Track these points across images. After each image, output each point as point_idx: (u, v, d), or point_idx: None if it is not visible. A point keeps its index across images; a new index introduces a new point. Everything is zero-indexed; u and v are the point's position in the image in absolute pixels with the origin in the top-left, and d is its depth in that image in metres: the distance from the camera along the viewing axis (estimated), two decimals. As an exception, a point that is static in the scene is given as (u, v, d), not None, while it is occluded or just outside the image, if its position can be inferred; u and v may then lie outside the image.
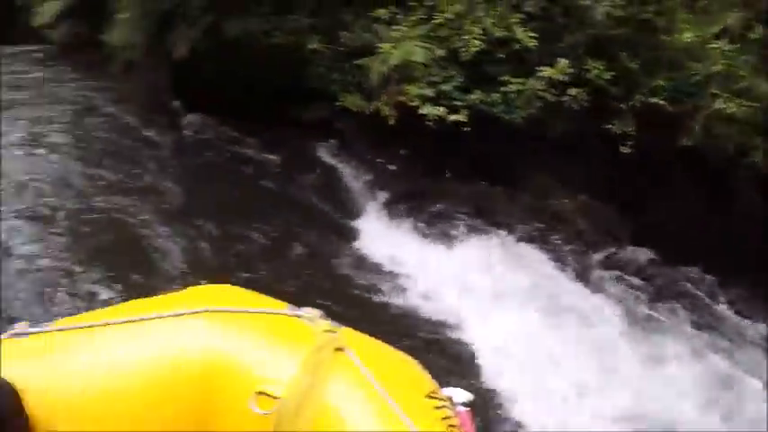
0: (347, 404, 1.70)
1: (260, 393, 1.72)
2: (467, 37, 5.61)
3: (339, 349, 1.80)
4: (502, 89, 5.64)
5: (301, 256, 5.62)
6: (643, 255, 5.89)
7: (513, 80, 5.60)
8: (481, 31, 5.59)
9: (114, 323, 1.94)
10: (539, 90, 5.54)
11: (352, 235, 6.12)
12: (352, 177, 6.90)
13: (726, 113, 5.30)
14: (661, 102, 5.39)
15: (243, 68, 7.31)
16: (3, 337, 1.96)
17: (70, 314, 3.92)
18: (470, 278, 5.48)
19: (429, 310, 5.14)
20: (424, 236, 6.06)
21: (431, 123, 5.62)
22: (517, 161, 6.14)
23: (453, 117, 5.50)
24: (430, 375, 1.87)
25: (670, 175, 5.87)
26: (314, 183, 6.87)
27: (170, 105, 8.60)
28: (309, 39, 6.82)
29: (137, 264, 5.10)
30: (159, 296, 2.12)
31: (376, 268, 5.64)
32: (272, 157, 7.35)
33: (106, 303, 4.35)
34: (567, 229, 6.00)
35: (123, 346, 1.90)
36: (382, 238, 6.02)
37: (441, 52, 5.78)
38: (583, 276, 5.71)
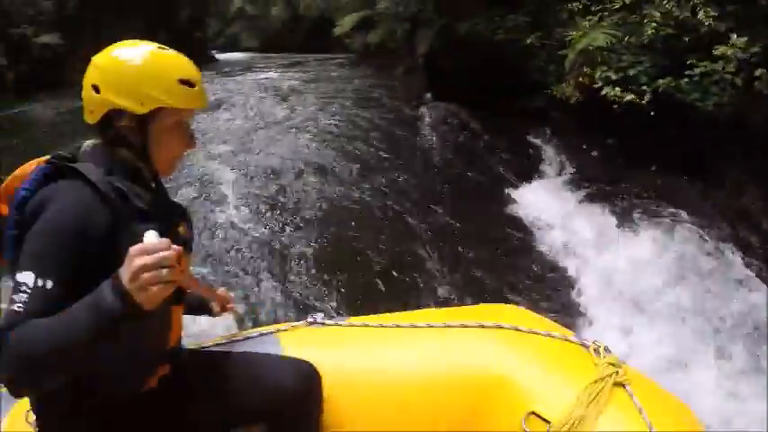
0: None
1: (532, 413, 1.81)
2: (646, 21, 5.96)
3: (619, 384, 1.85)
4: (687, 73, 5.80)
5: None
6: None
7: (699, 63, 5.72)
8: (658, 15, 5.88)
9: (404, 326, 2.19)
10: (725, 73, 5.56)
11: (544, 221, 6.53)
12: (558, 162, 7.59)
13: None
14: None
15: (471, 63, 8.38)
16: (300, 324, 2.29)
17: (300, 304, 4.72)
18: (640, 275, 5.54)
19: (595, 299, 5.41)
20: (615, 221, 6.24)
21: (616, 107, 6.02)
22: (713, 153, 6.14)
23: (629, 97, 5.86)
24: (703, 427, 1.93)
25: None
26: (525, 169, 7.62)
27: (423, 97, 9.96)
28: (527, 35, 7.64)
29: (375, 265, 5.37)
30: (447, 308, 2.43)
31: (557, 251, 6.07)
32: (497, 148, 8.21)
33: (340, 301, 4.78)
34: (752, 232, 5.80)
35: (411, 348, 2.13)
36: (570, 217, 6.45)
37: (628, 38, 6.19)
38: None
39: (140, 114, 1.66)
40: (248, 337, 2.20)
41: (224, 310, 2.18)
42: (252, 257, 5.21)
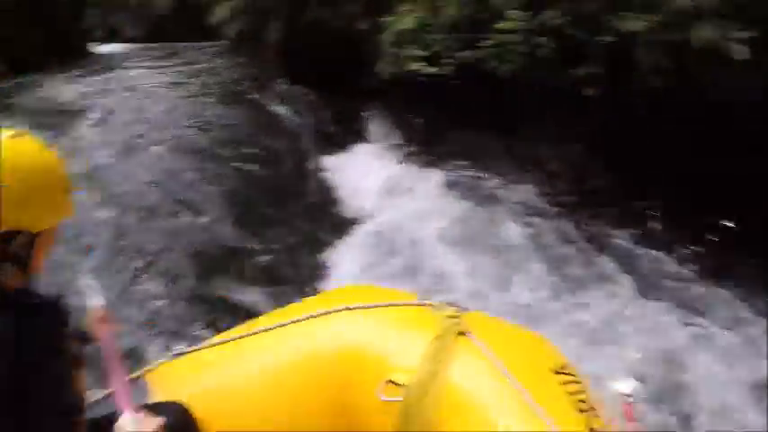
0: (470, 387, 1.80)
1: (389, 382, 1.87)
2: (445, 5, 6.93)
3: (462, 334, 1.92)
4: (482, 44, 6.74)
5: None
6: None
7: (492, 37, 6.66)
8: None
9: (261, 331, 2.22)
10: (513, 43, 6.52)
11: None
12: (386, 129, 8.77)
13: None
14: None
15: (318, 49, 9.28)
16: (165, 360, 2.27)
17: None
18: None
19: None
20: (434, 180, 7.41)
21: (423, 78, 7.04)
22: (518, 116, 7.16)
23: (432, 69, 6.88)
24: (559, 350, 2.01)
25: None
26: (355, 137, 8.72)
27: (279, 83, 10.73)
28: (362, 21, 8.59)
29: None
30: (300, 302, 2.45)
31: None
32: (335, 123, 9.27)
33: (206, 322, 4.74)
34: (540, 173, 7.00)
35: (270, 351, 2.16)
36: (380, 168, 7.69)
37: (434, 20, 7.13)
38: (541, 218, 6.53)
39: (35, 232, 1.52)
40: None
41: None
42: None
